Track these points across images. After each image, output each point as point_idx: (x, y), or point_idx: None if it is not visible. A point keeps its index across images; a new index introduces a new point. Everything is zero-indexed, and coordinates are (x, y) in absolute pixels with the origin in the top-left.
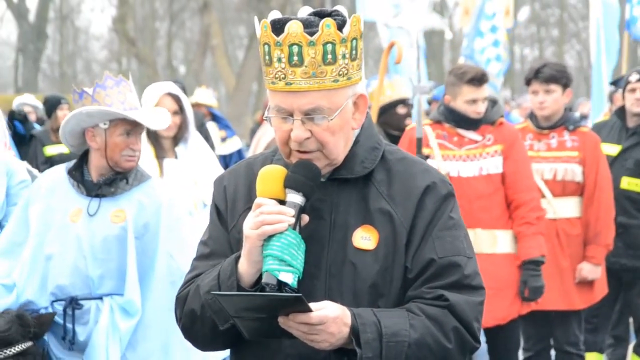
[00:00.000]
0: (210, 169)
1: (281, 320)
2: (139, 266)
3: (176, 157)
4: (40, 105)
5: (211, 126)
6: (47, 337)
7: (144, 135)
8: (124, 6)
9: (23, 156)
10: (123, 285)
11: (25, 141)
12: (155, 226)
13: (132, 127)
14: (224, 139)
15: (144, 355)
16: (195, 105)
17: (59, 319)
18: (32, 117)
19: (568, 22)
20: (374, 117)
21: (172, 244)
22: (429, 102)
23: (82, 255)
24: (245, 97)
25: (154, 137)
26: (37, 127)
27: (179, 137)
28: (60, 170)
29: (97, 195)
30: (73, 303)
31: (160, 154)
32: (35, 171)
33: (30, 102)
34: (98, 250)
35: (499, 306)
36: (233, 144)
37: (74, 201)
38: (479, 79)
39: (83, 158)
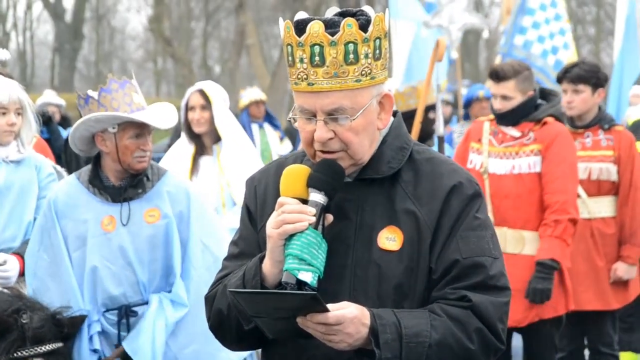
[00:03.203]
0: (246, 168)
1: (299, 320)
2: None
3: (212, 154)
4: (63, 102)
5: (267, 127)
6: (102, 347)
7: (184, 134)
8: (159, 6)
9: (59, 157)
10: (168, 281)
11: (53, 145)
12: (187, 214)
13: (141, 128)
14: (281, 139)
15: (185, 341)
16: (258, 103)
17: (112, 329)
18: (56, 117)
19: (605, 20)
20: (419, 115)
21: (204, 232)
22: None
23: (128, 262)
24: (280, 97)
25: (194, 136)
26: (62, 128)
27: (216, 133)
28: (70, 183)
29: (124, 200)
30: (127, 311)
31: (199, 152)
32: (58, 167)
33: (53, 101)
34: (144, 253)
35: (515, 308)
36: (290, 144)
37: (102, 210)
38: (494, 75)
39: (96, 164)
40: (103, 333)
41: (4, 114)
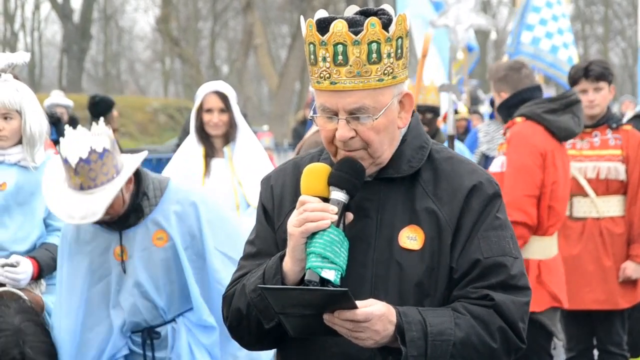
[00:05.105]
0: (257, 169)
1: (326, 317)
2: (197, 270)
3: (224, 156)
4: (70, 103)
5: None
6: None
7: (194, 134)
8: (167, 6)
9: None
10: (188, 299)
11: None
12: (198, 227)
13: None
14: None
15: (232, 352)
16: None
17: (138, 349)
18: (64, 118)
19: (613, 19)
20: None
21: (219, 241)
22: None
23: (144, 295)
24: (288, 96)
25: (205, 137)
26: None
27: (228, 135)
28: None
29: (129, 227)
30: (151, 333)
31: (210, 154)
32: None
33: (61, 102)
34: (158, 278)
35: None
36: None
37: (111, 240)
38: None
39: None
40: (131, 354)
41: None
